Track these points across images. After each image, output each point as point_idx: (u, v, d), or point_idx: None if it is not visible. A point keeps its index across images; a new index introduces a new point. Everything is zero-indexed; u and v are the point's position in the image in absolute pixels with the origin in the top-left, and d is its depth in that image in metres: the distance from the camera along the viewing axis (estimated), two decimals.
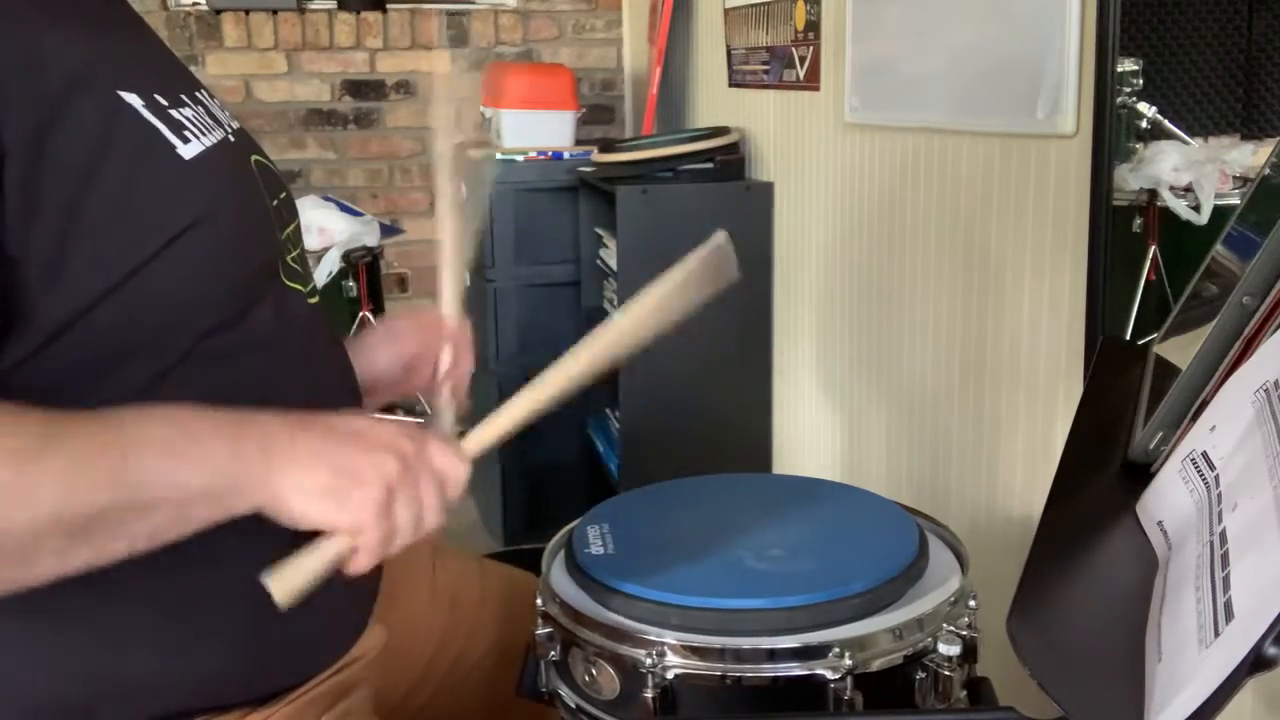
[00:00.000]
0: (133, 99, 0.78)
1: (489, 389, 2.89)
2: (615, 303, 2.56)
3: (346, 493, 0.76)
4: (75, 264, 0.73)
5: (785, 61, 2.29)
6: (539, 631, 0.99)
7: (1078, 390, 1.37)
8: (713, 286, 0.93)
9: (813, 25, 2.15)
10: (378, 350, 1.06)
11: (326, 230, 2.87)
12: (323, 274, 2.83)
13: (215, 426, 0.75)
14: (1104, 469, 0.89)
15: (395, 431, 0.80)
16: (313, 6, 3.36)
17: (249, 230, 0.86)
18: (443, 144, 1.04)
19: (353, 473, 0.76)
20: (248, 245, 0.85)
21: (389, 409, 1.14)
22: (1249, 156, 1.37)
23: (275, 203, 0.94)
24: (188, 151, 0.81)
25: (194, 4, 3.28)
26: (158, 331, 0.78)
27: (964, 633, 0.95)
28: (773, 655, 0.91)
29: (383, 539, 0.77)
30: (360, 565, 0.79)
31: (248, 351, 0.84)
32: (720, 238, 0.94)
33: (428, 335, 1.06)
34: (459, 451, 0.84)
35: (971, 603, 0.98)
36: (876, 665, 0.92)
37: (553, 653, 0.99)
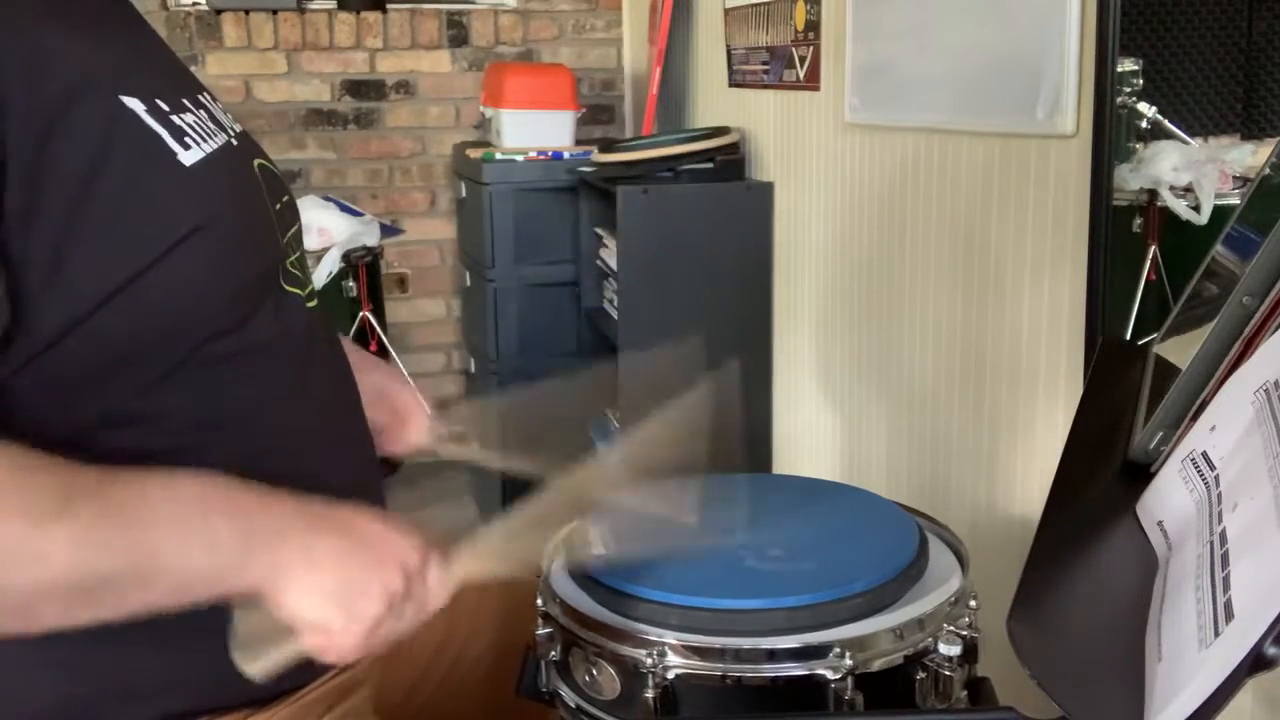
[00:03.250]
0: (134, 104, 0.78)
1: (489, 388, 2.89)
2: (615, 303, 2.56)
3: (349, 604, 0.78)
4: (75, 269, 0.73)
5: (785, 61, 2.29)
6: (539, 631, 0.99)
7: (1078, 390, 1.37)
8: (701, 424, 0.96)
9: (813, 25, 2.15)
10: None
11: (326, 230, 2.88)
12: (323, 274, 2.83)
13: (231, 512, 0.75)
14: (1104, 469, 0.89)
15: (405, 542, 0.81)
16: (313, 6, 3.36)
17: (250, 236, 0.86)
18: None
19: (361, 586, 0.78)
20: (249, 251, 0.85)
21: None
22: (1249, 156, 1.37)
23: (278, 206, 0.93)
24: (189, 158, 0.80)
25: (194, 4, 3.28)
26: (158, 337, 0.78)
27: (964, 633, 0.95)
28: (773, 655, 0.91)
29: (364, 649, 0.79)
30: (329, 661, 0.81)
31: (247, 356, 0.84)
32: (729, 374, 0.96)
33: (394, 416, 1.12)
34: (448, 577, 0.85)
35: (972, 603, 0.98)
36: (877, 665, 0.92)
37: (553, 653, 0.99)
